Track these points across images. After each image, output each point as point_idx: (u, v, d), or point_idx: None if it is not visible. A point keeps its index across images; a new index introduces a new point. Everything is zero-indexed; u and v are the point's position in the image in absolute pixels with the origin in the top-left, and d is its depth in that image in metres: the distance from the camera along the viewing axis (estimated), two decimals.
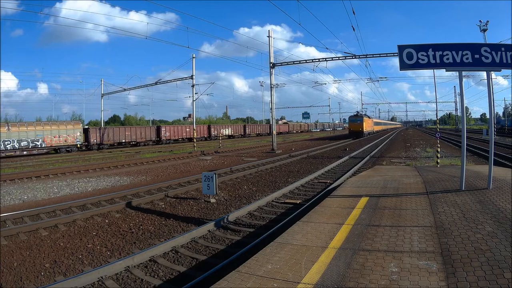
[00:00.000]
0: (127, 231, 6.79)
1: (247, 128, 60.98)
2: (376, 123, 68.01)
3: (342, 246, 4.38)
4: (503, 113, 70.77)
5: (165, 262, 5.23)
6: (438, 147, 15.30)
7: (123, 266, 4.92)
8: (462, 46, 6.94)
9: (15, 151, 26.89)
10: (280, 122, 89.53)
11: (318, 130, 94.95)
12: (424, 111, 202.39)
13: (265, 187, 11.35)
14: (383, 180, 9.23)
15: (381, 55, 25.14)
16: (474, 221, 5.05)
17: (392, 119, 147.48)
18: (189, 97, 32.12)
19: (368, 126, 52.30)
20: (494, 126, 14.20)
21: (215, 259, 5.31)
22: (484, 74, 30.08)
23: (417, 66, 7.12)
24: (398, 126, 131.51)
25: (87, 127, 40.27)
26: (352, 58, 25.23)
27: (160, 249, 5.54)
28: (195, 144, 30.04)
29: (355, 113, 51.20)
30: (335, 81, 59.97)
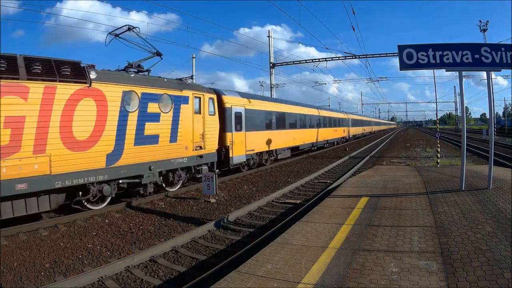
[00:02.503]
0: (127, 231, 6.79)
1: None
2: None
3: (342, 246, 4.38)
4: (503, 113, 70.87)
5: (165, 262, 5.23)
6: (438, 147, 15.31)
7: (123, 266, 4.92)
8: (462, 46, 6.94)
9: None
10: None
11: None
12: (424, 111, 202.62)
13: (265, 187, 11.35)
14: (383, 180, 9.23)
15: (381, 55, 25.20)
16: (474, 221, 5.04)
17: (392, 119, 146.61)
18: None
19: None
20: (494, 126, 14.21)
21: (215, 259, 5.31)
22: (484, 74, 30.16)
23: (417, 66, 7.12)
24: (393, 126, 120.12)
25: None
26: (352, 58, 25.30)
27: (160, 249, 5.54)
28: None
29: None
30: (335, 81, 59.45)
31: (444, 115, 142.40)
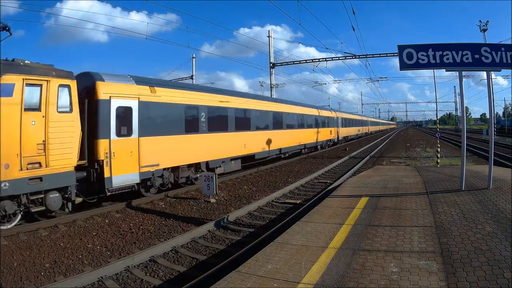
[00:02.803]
0: (127, 231, 6.79)
1: None
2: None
3: (342, 246, 4.38)
4: (503, 113, 70.91)
5: (165, 262, 5.23)
6: (438, 147, 15.32)
7: (123, 266, 4.92)
8: (462, 46, 6.95)
9: None
10: None
11: None
12: (424, 111, 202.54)
13: (265, 187, 11.35)
14: (383, 180, 9.23)
15: (381, 55, 25.19)
16: (474, 221, 5.04)
17: (392, 119, 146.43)
18: None
19: None
20: (494, 126, 14.21)
21: (215, 259, 5.31)
22: (484, 74, 30.14)
23: (417, 66, 7.12)
24: (392, 126, 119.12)
25: None
26: (352, 58, 25.29)
27: (160, 249, 5.54)
28: None
29: None
30: (335, 81, 59.33)
31: (444, 115, 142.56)
